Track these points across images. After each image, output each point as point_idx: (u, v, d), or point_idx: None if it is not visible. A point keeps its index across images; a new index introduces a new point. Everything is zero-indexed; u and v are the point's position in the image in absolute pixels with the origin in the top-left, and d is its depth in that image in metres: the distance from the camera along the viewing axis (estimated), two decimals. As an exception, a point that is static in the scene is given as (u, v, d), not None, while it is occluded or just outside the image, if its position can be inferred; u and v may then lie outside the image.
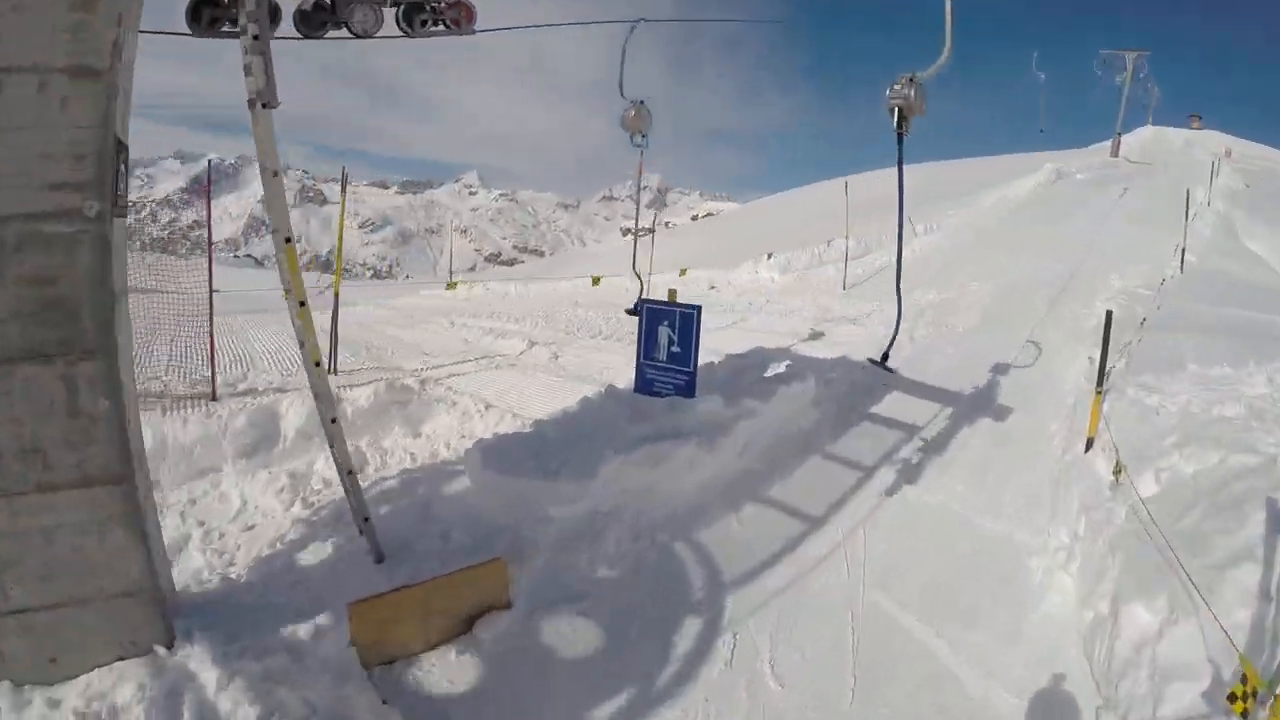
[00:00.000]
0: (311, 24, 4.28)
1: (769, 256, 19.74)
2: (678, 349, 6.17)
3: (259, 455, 6.72)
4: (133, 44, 2.98)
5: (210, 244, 8.12)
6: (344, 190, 9.38)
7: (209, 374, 8.03)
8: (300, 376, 8.37)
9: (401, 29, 4.43)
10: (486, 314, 16.44)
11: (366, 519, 4.02)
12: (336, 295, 9.78)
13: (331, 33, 4.33)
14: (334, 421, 3.75)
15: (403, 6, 4.38)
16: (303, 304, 3.46)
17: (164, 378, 8.14)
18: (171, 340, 8.92)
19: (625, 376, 8.14)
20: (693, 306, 6.15)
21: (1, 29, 2.65)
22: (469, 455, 5.52)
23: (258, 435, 6.81)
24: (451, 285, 15.45)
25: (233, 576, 4.63)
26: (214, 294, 8.23)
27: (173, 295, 8.94)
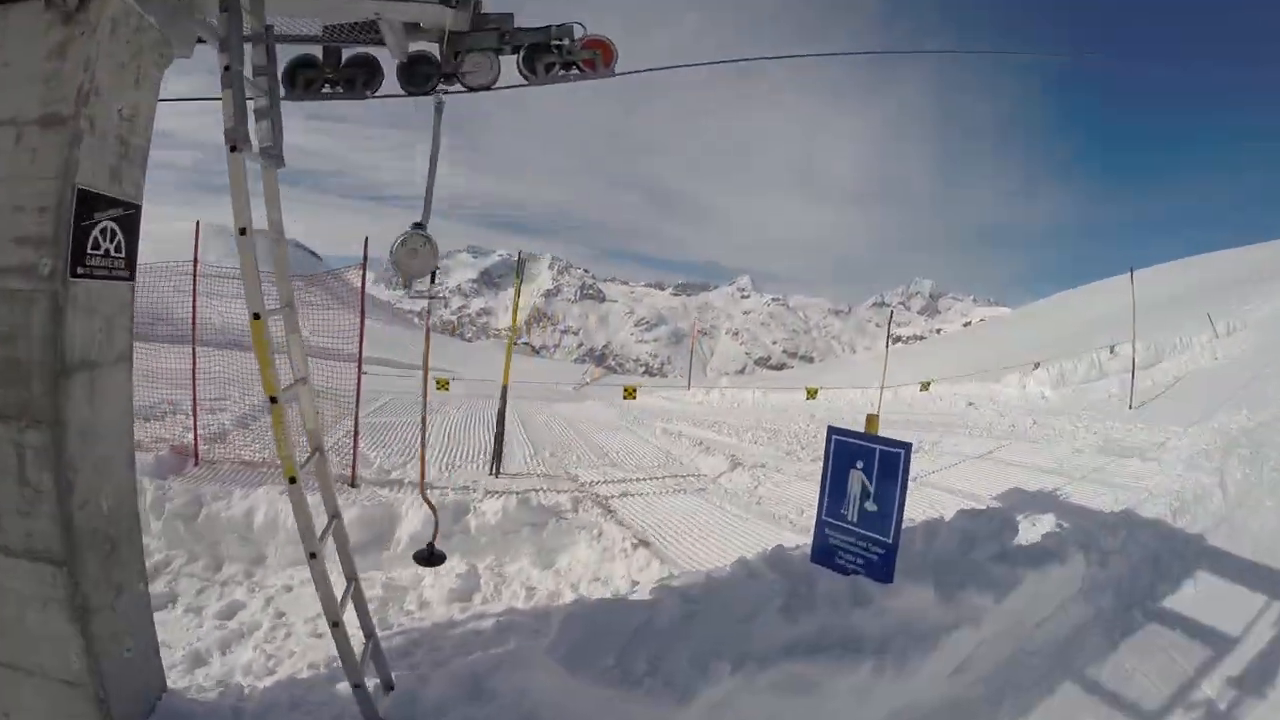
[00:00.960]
0: (416, 79, 4.22)
1: (1035, 367, 18.18)
2: (874, 506, 4.72)
3: (368, 555, 6.64)
4: (117, 91, 3.01)
5: (361, 341, 8.36)
6: (519, 275, 9.42)
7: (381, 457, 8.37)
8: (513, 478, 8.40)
9: (524, 76, 4.19)
10: (710, 422, 16.32)
11: (358, 685, 3.27)
12: (505, 390, 9.77)
13: (442, 86, 4.21)
14: (313, 557, 3.27)
15: (524, 51, 4.12)
16: (274, 400, 2.89)
17: (327, 454, 8.52)
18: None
19: None
20: (899, 444, 4.65)
21: None
22: (548, 626, 4.60)
23: (369, 534, 6.73)
24: (629, 392, 15.44)
25: (248, 691, 4.31)
26: (469, 381, 8.76)
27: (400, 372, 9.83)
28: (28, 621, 3.09)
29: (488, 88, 4.19)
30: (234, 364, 10.91)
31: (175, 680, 4.43)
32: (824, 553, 4.88)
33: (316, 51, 4.23)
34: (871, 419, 5.17)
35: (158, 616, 5.52)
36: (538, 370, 69.14)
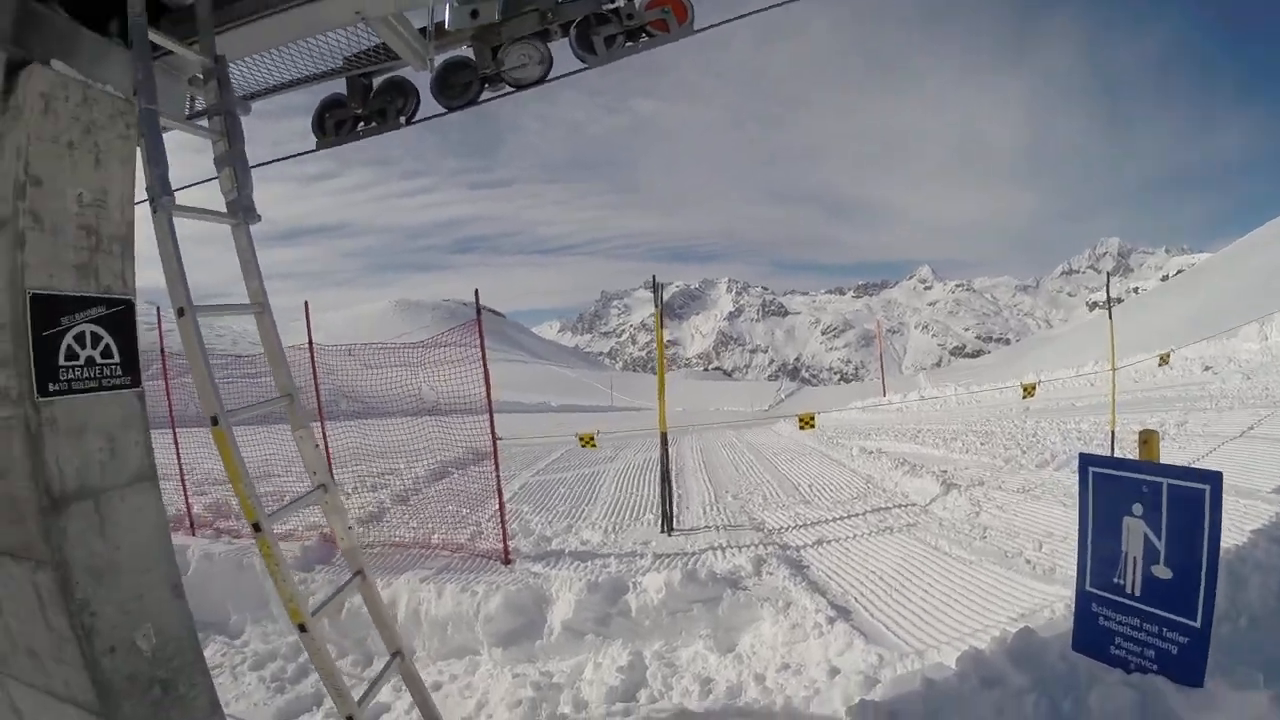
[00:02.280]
0: (454, 90, 3.83)
1: None
2: (1166, 572, 3.42)
3: (519, 645, 6.32)
4: (68, 177, 2.78)
5: (490, 395, 8.03)
6: (658, 303, 8.75)
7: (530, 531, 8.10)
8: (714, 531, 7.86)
9: (581, 58, 3.66)
10: (912, 432, 15.04)
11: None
12: (664, 439, 9.06)
13: (488, 92, 3.82)
14: (303, 630, 2.88)
15: (575, 29, 3.61)
16: (257, 528, 2.79)
17: (483, 525, 8.29)
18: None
19: (1074, 568, 5.89)
20: (1201, 476, 3.30)
21: None
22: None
23: (518, 621, 6.47)
24: (805, 421, 14.41)
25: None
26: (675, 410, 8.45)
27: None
28: None
29: (540, 81, 3.71)
30: (414, 432, 11.23)
31: None
32: (1091, 640, 3.67)
33: (342, 89, 3.99)
34: (1149, 438, 3.70)
35: None
36: (732, 394, 68.84)
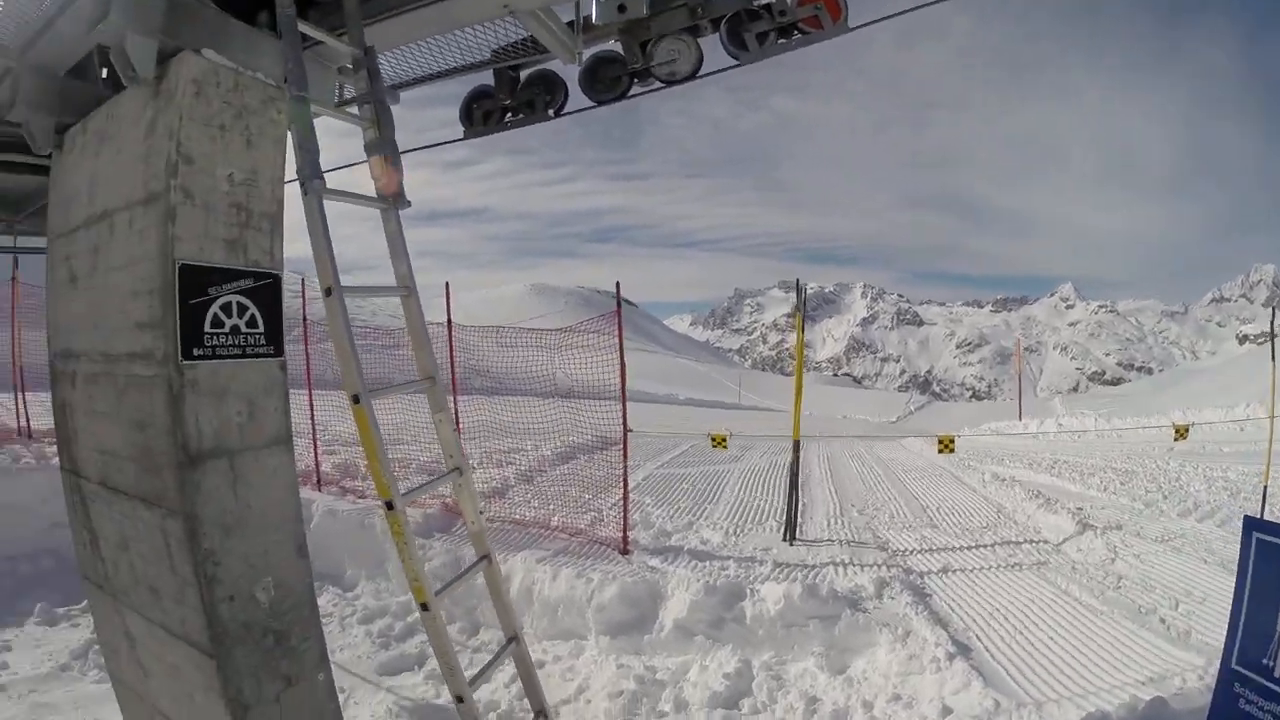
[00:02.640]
0: (602, 84, 3.77)
1: None
2: None
3: (629, 637, 6.27)
4: (219, 157, 2.93)
5: (624, 388, 7.96)
6: (800, 306, 8.47)
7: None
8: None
9: (732, 54, 3.53)
10: (1048, 462, 14.20)
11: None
12: (797, 446, 8.80)
13: (638, 87, 3.73)
14: (424, 609, 2.87)
15: (725, 24, 3.46)
16: (390, 505, 2.77)
17: (604, 513, 8.42)
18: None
19: (1212, 634, 5.60)
20: None
21: (110, 173, 3.00)
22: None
23: (631, 613, 6.42)
24: (945, 444, 13.62)
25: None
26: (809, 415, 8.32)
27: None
28: (198, 700, 3.18)
29: (691, 77, 3.59)
30: (543, 413, 11.47)
31: None
32: (1232, 726, 3.24)
33: (489, 81, 4.00)
34: None
35: (404, 679, 5.75)
36: (861, 402, 66.72)
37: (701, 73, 3.58)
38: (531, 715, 3.54)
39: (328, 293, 2.57)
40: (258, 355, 3.05)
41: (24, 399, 9.98)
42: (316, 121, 3.02)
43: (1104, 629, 6.08)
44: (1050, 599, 6.73)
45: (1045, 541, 8.51)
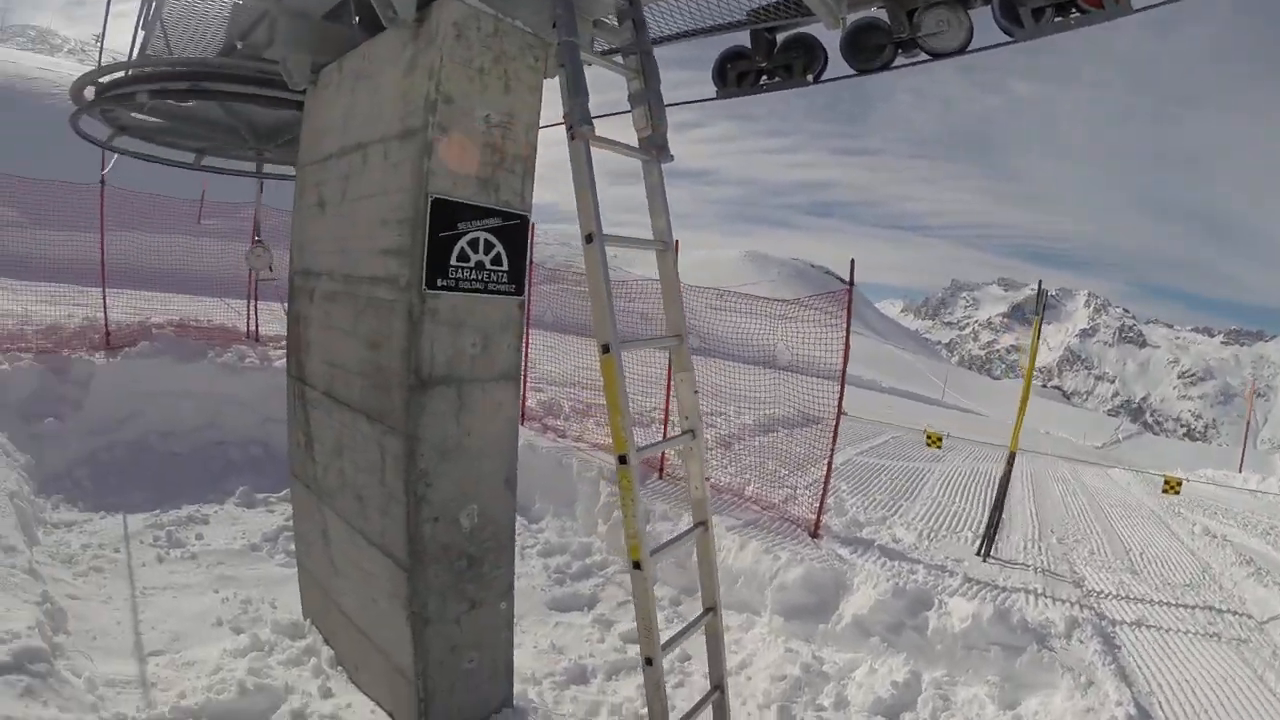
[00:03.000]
0: (864, 53, 3.55)
1: None
2: None
3: (803, 622, 6.04)
4: (478, 98, 2.99)
5: (844, 370, 7.55)
6: (1039, 313, 7.69)
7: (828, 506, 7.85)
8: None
9: (1005, 29, 3.22)
10: (1265, 527, 12.71)
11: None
12: (1012, 458, 8.12)
13: (901, 58, 3.50)
14: (636, 567, 2.78)
15: None
16: (623, 460, 2.73)
17: (799, 492, 8.32)
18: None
19: None
20: None
21: (365, 108, 3.17)
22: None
23: (811, 598, 6.17)
24: (1171, 486, 11.86)
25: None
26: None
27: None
28: (381, 605, 3.39)
29: (960, 51, 3.30)
30: (748, 381, 11.26)
31: (540, 693, 4.51)
32: None
33: (745, 41, 3.86)
34: None
35: (571, 618, 5.86)
36: (1066, 420, 61.17)
37: (970, 47, 3.27)
38: (709, 685, 3.49)
39: (589, 239, 2.51)
40: (499, 292, 3.12)
41: (256, 306, 11.05)
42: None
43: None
44: (1244, 683, 5.82)
45: (1249, 616, 7.36)
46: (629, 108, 2.92)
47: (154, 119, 5.85)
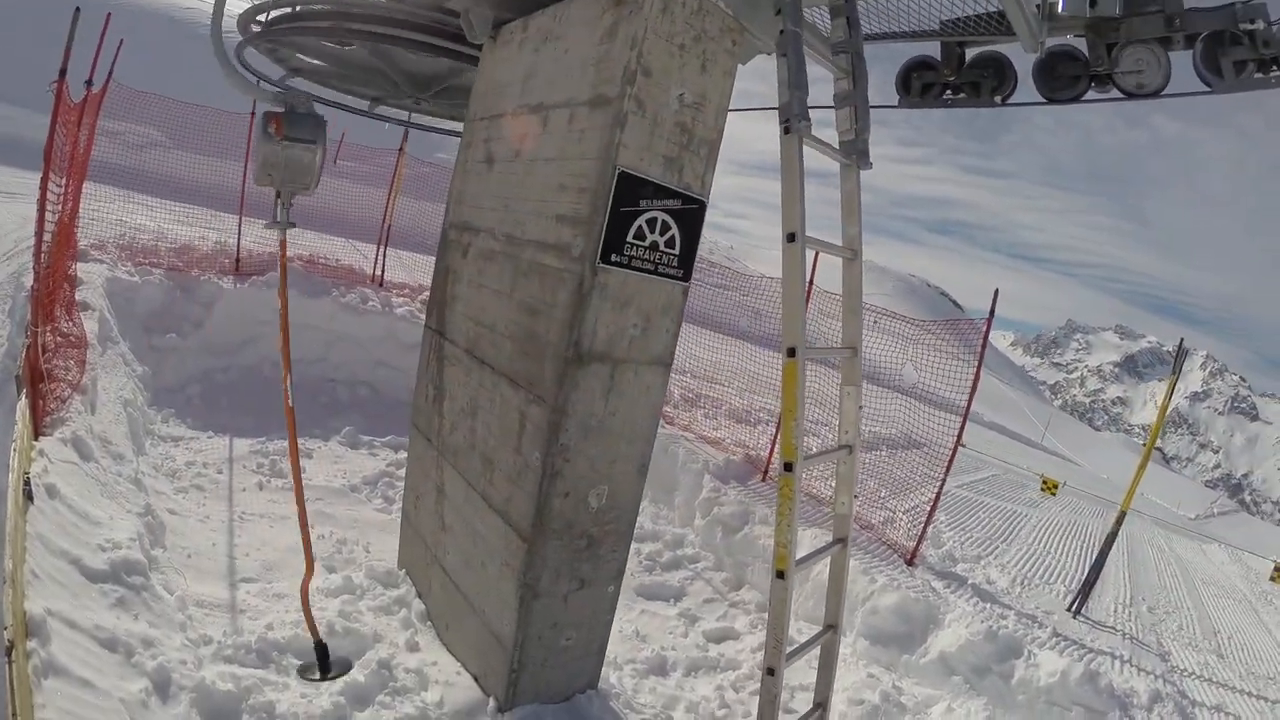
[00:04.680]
0: (1057, 82, 3.47)
1: None
2: None
3: (887, 649, 5.96)
4: (675, 75, 2.94)
5: (971, 398, 7.31)
6: (1176, 371, 7.30)
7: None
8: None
9: (1203, 78, 3.14)
10: None
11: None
12: (1122, 518, 7.78)
13: (1093, 92, 3.40)
14: (780, 576, 2.76)
15: (1201, 43, 3.06)
16: (789, 467, 2.64)
17: (898, 516, 8.14)
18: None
19: None
20: None
21: (550, 70, 3.12)
22: None
23: (900, 626, 6.05)
24: None
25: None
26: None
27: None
28: (489, 571, 3.41)
29: (1155, 94, 3.19)
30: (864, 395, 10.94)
31: (621, 678, 4.45)
32: None
33: (935, 52, 3.76)
34: None
35: (657, 607, 5.82)
36: (1162, 484, 58.06)
37: (1167, 91, 3.16)
38: (812, 704, 3.43)
39: (790, 238, 2.44)
40: (668, 275, 3.09)
41: (385, 252, 11.26)
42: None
43: None
44: None
45: None
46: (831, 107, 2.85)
47: (318, 61, 5.92)
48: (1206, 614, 9.74)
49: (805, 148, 2.58)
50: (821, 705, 3.31)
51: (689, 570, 6.50)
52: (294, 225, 3.53)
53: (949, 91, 3.74)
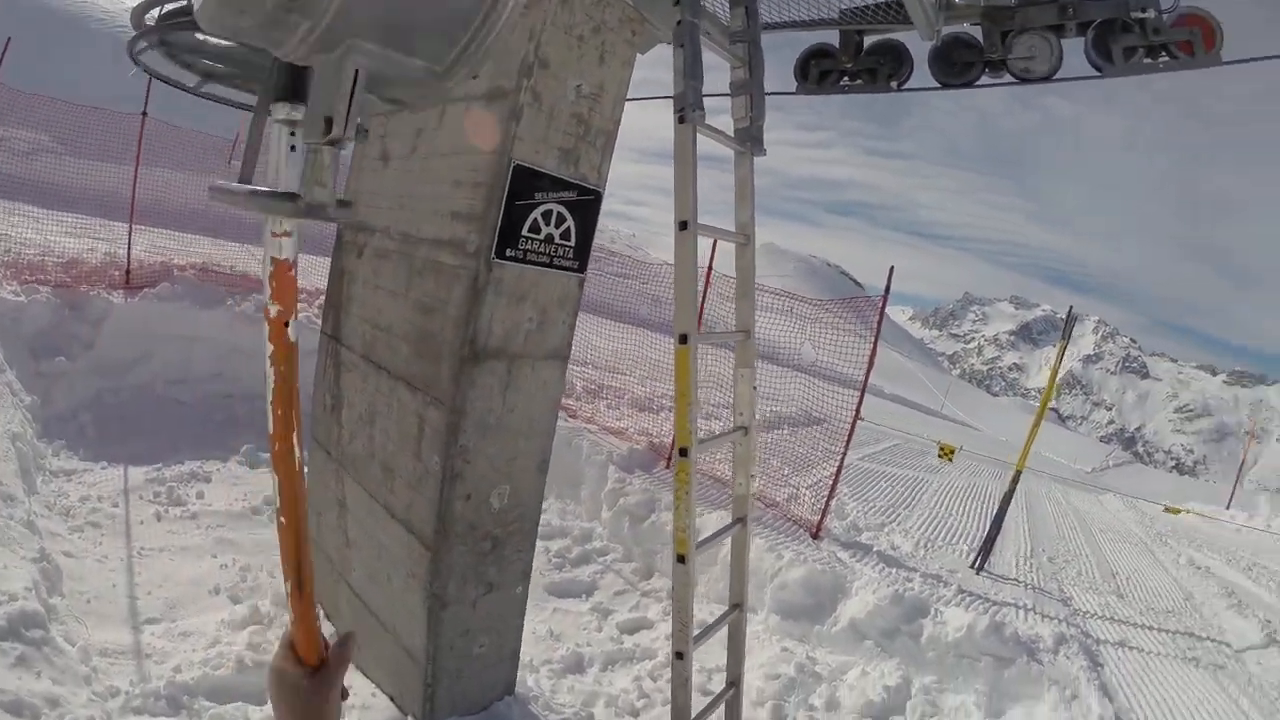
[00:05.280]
0: (953, 68, 3.58)
1: None
2: None
3: (797, 622, 6.11)
4: (572, 66, 2.92)
5: (868, 376, 7.54)
6: (1066, 336, 7.72)
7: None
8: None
9: (1093, 64, 3.28)
10: (1247, 562, 12.76)
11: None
12: (1018, 476, 8.20)
13: (987, 77, 3.54)
14: (680, 560, 2.71)
15: (1093, 31, 3.22)
16: (684, 453, 2.60)
17: (801, 491, 8.31)
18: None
19: None
20: None
21: None
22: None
23: (809, 599, 6.20)
24: (1173, 509, 12.01)
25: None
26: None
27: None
28: (395, 583, 3.32)
29: (1046, 78, 3.35)
30: (760, 377, 11.08)
31: (538, 680, 4.44)
32: None
33: (834, 40, 3.82)
34: None
35: (569, 604, 5.79)
36: (1059, 442, 61.18)
37: (1058, 76, 3.32)
38: (725, 683, 3.49)
39: (683, 226, 2.43)
40: (563, 268, 3.06)
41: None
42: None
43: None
44: (1219, 707, 6.09)
45: (1227, 645, 7.64)
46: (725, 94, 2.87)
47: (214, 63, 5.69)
48: (1105, 559, 10.37)
49: (700, 136, 2.56)
50: (734, 683, 3.38)
51: (599, 564, 6.51)
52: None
53: (846, 78, 3.81)
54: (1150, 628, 7.57)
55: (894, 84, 3.72)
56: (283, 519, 0.87)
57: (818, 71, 3.84)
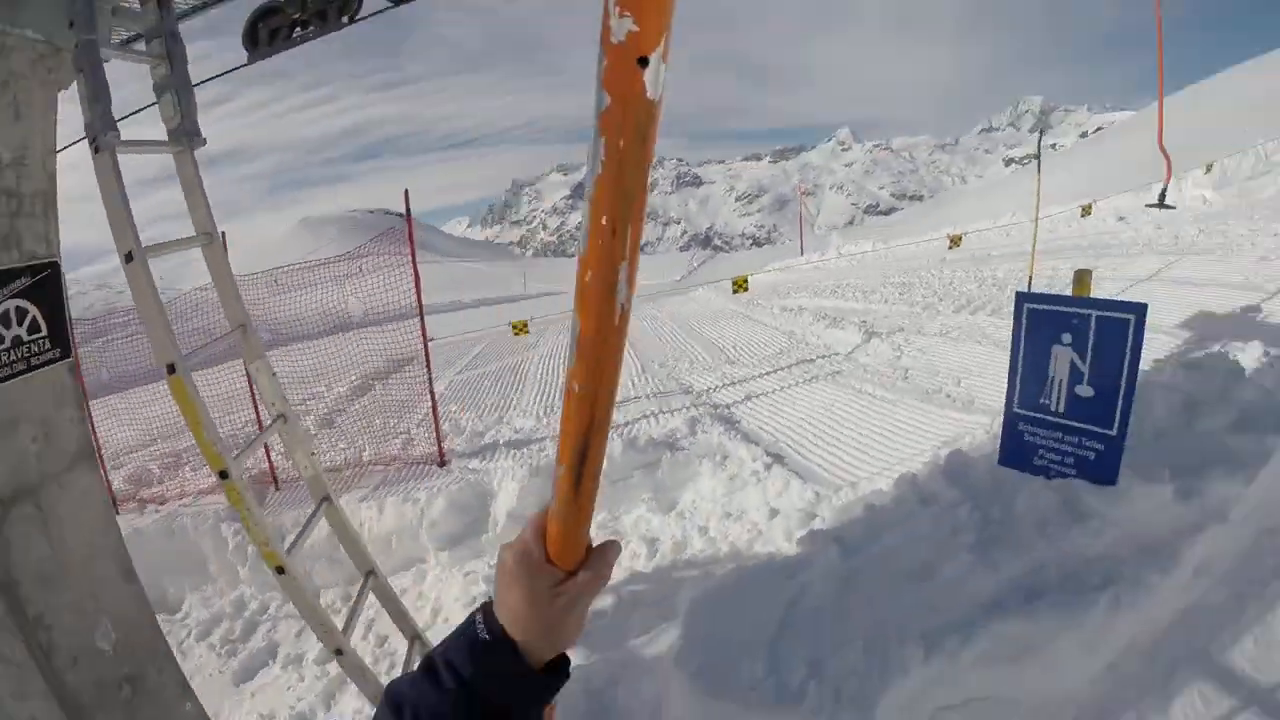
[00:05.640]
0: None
1: (1207, 170, 16.52)
2: (1089, 391, 3.59)
3: (465, 544, 6.31)
4: None
5: (420, 300, 7.64)
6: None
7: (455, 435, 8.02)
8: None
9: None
10: (831, 288, 15.41)
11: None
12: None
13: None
14: (280, 572, 2.67)
15: None
16: (224, 475, 2.50)
17: (412, 432, 8.19)
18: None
19: (991, 398, 6.58)
20: (1128, 307, 3.43)
21: None
22: (675, 602, 3.98)
23: (463, 521, 6.39)
24: (739, 285, 14.32)
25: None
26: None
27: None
28: None
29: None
30: (329, 352, 10.65)
31: None
32: (1017, 454, 3.90)
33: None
34: (1083, 277, 3.99)
35: (262, 678, 5.46)
36: (643, 268, 67.11)
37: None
38: (406, 644, 3.52)
39: (128, 258, 2.18)
40: (46, 363, 2.62)
41: None
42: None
43: (899, 413, 6.97)
44: (848, 400, 7.59)
45: (836, 354, 9.46)
46: (153, 100, 2.61)
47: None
48: (710, 342, 11.83)
49: (125, 157, 2.32)
50: (416, 637, 3.49)
51: (267, 623, 6.16)
52: None
53: (298, 29, 3.53)
54: (767, 374, 9.03)
55: (345, 18, 3.53)
56: (576, 385, 0.68)
57: (268, 32, 3.52)
